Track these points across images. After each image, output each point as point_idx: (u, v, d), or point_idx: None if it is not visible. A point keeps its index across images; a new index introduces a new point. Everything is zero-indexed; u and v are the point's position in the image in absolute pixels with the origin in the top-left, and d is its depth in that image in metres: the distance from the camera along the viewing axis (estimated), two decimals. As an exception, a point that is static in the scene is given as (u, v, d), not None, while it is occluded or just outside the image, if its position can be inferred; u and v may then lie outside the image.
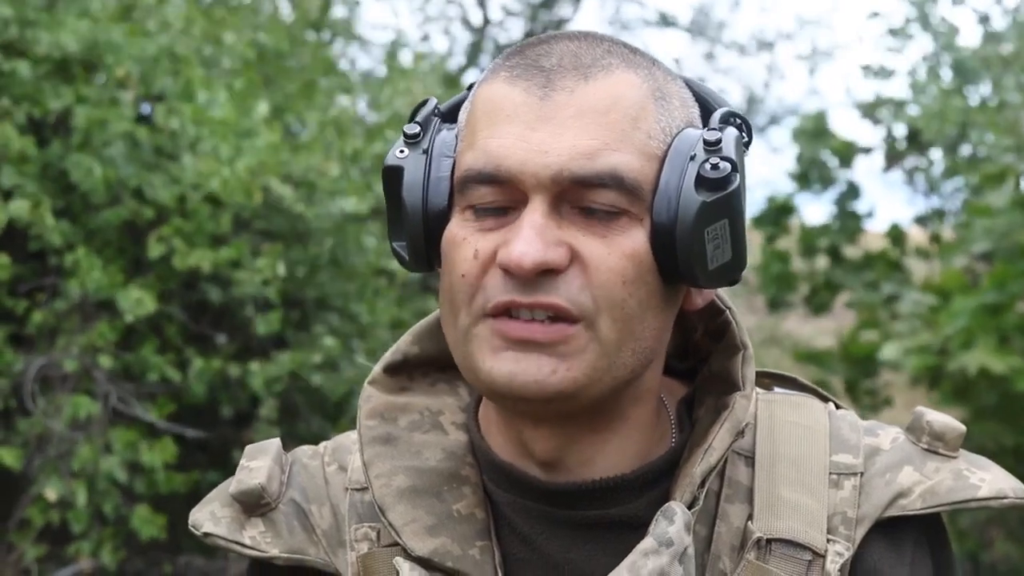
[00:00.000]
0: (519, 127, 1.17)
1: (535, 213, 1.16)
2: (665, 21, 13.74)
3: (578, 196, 1.17)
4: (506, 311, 1.17)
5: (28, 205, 4.68)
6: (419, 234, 1.23)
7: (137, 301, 4.72)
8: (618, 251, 1.17)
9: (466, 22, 12.84)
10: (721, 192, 1.17)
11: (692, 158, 1.18)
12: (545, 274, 1.16)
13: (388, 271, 5.68)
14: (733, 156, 1.18)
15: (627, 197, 1.17)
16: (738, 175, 1.18)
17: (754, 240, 8.96)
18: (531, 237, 1.15)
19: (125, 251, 5.11)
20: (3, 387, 4.90)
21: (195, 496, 5.44)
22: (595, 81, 1.18)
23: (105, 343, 4.88)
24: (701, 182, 1.17)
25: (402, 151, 1.24)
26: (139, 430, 4.96)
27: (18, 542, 4.97)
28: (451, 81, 5.90)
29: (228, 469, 5.37)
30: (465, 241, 1.19)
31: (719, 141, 1.18)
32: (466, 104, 1.25)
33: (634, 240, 1.17)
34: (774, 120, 13.76)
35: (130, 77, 5.04)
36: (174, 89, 5.08)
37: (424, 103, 1.28)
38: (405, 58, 7.36)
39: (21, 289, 5.06)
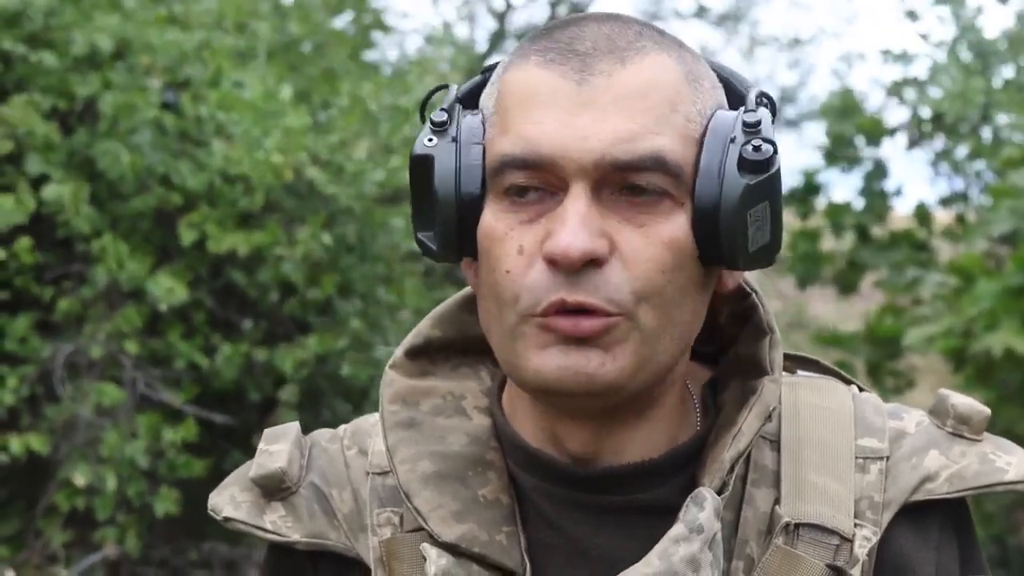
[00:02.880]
0: (558, 112, 1.16)
1: (579, 201, 1.15)
2: (701, 12, 13.70)
3: (619, 181, 1.16)
4: (556, 309, 1.16)
5: (69, 191, 4.69)
6: (452, 223, 1.21)
7: (168, 290, 4.73)
8: (657, 240, 1.16)
9: (489, 8, 12.82)
10: (764, 174, 1.17)
11: (732, 140, 1.17)
12: (589, 265, 1.15)
13: (415, 254, 5.67)
14: (773, 137, 1.18)
15: (670, 180, 1.16)
16: (778, 156, 1.18)
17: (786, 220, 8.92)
18: (576, 227, 1.14)
19: (152, 238, 5.12)
20: (30, 374, 4.93)
21: (219, 481, 5.47)
22: (632, 65, 1.17)
23: (131, 329, 4.89)
24: (744, 164, 1.16)
25: (430, 139, 1.22)
26: (163, 415, 4.98)
27: (45, 528, 4.99)
28: (475, 67, 5.90)
29: (251, 454, 5.38)
30: (508, 236, 1.17)
31: (759, 123, 1.18)
32: (491, 89, 1.24)
33: (674, 225, 1.17)
34: (802, 119, 13.73)
35: (156, 64, 5.05)
36: (202, 76, 5.08)
37: (439, 88, 1.27)
38: (440, 53, 7.38)
39: (47, 276, 5.08)
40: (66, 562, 5.02)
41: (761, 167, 1.17)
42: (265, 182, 4.92)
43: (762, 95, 1.23)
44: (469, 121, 1.23)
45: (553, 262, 1.14)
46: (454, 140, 1.22)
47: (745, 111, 1.19)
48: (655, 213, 1.16)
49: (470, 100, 1.26)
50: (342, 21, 6.84)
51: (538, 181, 1.17)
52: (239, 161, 4.85)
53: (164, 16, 5.19)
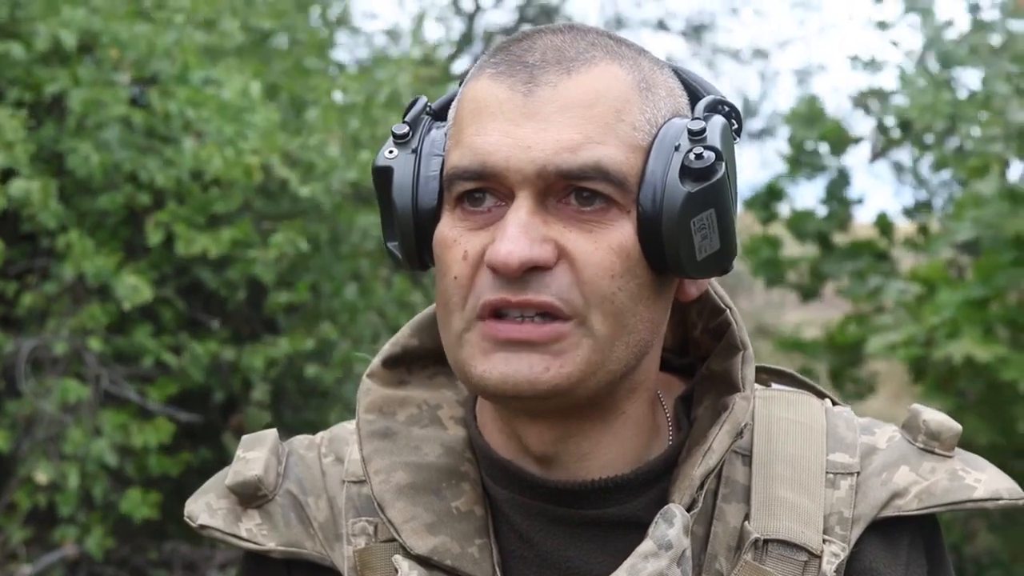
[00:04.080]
0: (504, 123, 1.18)
1: (520, 210, 1.17)
2: (662, 25, 13.73)
3: (565, 190, 1.17)
4: (497, 311, 1.17)
5: (37, 187, 4.66)
6: (410, 233, 1.24)
7: (133, 289, 4.71)
8: (605, 245, 1.17)
9: (457, 8, 12.80)
10: (706, 182, 1.17)
11: (677, 148, 1.18)
12: (533, 271, 1.16)
13: (384, 254, 5.65)
14: (718, 145, 1.18)
15: (614, 189, 1.17)
16: (723, 164, 1.18)
17: (746, 224, 8.96)
18: (516, 235, 1.15)
19: (119, 234, 5.09)
20: (-7, 369, 4.89)
21: (185, 480, 5.40)
22: (578, 75, 1.19)
23: (96, 326, 4.87)
24: (686, 172, 1.17)
25: (391, 151, 1.25)
26: (130, 412, 4.95)
27: (5, 525, 4.96)
28: (444, 70, 5.89)
29: (217, 453, 5.40)
30: (455, 242, 1.19)
31: (703, 130, 1.18)
32: (453, 102, 1.26)
33: (621, 233, 1.18)
34: (767, 132, 13.76)
35: (124, 59, 5.02)
36: (170, 72, 5.06)
37: (415, 102, 1.28)
38: (402, 50, 7.38)
39: (11, 271, 5.05)
40: (26, 559, 4.98)
41: (703, 175, 1.17)
42: (240, 183, 4.91)
43: (719, 103, 1.23)
44: (434, 134, 1.25)
45: (494, 269, 1.16)
46: (414, 152, 1.24)
47: (692, 119, 1.20)
48: (603, 220, 1.17)
49: (441, 114, 1.28)
50: (310, 18, 6.83)
51: (487, 189, 1.18)
52: (209, 159, 4.83)
53: (133, 10, 5.15)
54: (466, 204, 1.19)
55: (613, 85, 1.19)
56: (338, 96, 5.76)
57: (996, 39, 7.16)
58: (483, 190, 1.19)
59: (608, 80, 1.19)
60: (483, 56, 1.25)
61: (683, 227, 1.17)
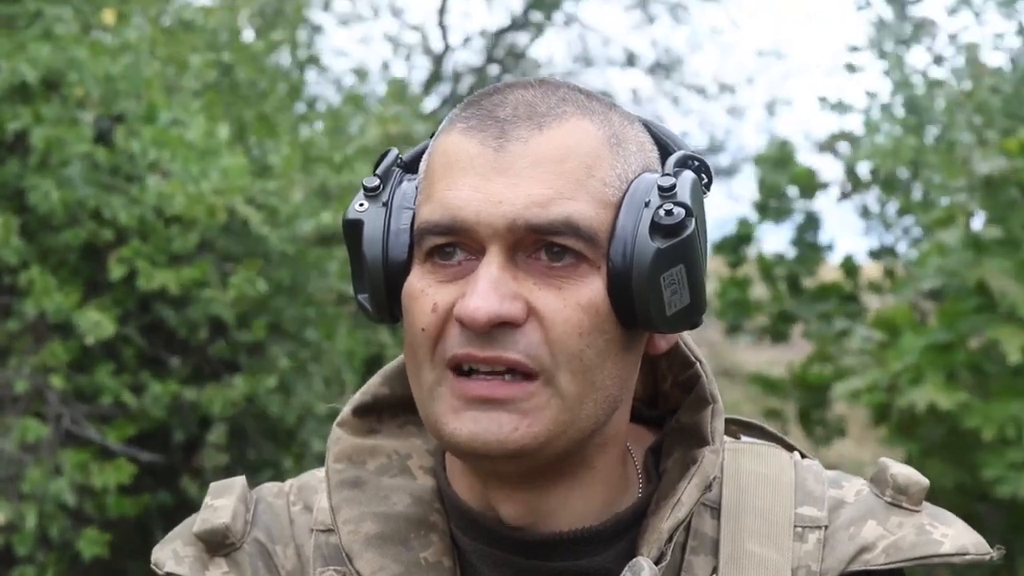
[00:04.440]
0: (474, 178, 1.18)
1: (491, 265, 1.17)
2: (631, 61, 13.81)
3: (535, 245, 1.18)
4: (464, 366, 1.17)
5: None
6: (380, 286, 1.23)
7: (96, 324, 4.69)
8: (573, 302, 1.17)
9: (427, 49, 12.86)
10: (676, 238, 1.18)
11: (647, 204, 1.19)
12: (502, 327, 1.16)
13: (348, 297, 5.66)
14: (688, 201, 1.19)
15: (584, 244, 1.17)
16: (693, 220, 1.19)
17: (715, 267, 9.01)
18: (486, 291, 1.15)
19: (80, 271, 5.07)
20: (-48, 407, 4.86)
21: (143, 520, 5.35)
22: (549, 130, 1.19)
23: (58, 364, 4.84)
24: (655, 228, 1.18)
25: (362, 204, 1.25)
26: (91, 452, 4.92)
27: (-38, 563, 4.92)
28: (422, 116, 5.90)
29: (177, 494, 5.36)
30: (424, 294, 1.19)
31: (673, 187, 1.19)
32: (426, 155, 1.26)
33: (591, 289, 1.18)
34: (732, 170, 13.87)
35: (89, 97, 5.02)
36: (136, 111, 5.06)
37: (386, 154, 1.28)
38: (371, 88, 7.40)
39: (-27, 308, 5.02)
40: (-17, 598, 4.94)
41: (673, 231, 1.18)
42: (200, 222, 4.90)
43: (689, 158, 1.24)
44: (404, 187, 1.25)
45: (463, 323, 1.16)
46: (385, 205, 1.24)
47: (663, 175, 1.20)
48: (572, 276, 1.18)
49: (413, 166, 1.28)
50: (278, 58, 6.84)
51: (458, 244, 1.19)
52: (172, 196, 4.82)
53: (97, 45, 5.14)
54: (436, 258, 1.19)
55: (584, 141, 1.19)
56: (306, 131, 5.77)
57: (965, 86, 7.25)
58: (453, 244, 1.19)
59: (579, 136, 1.19)
60: (455, 109, 1.25)
61: (653, 283, 1.17)
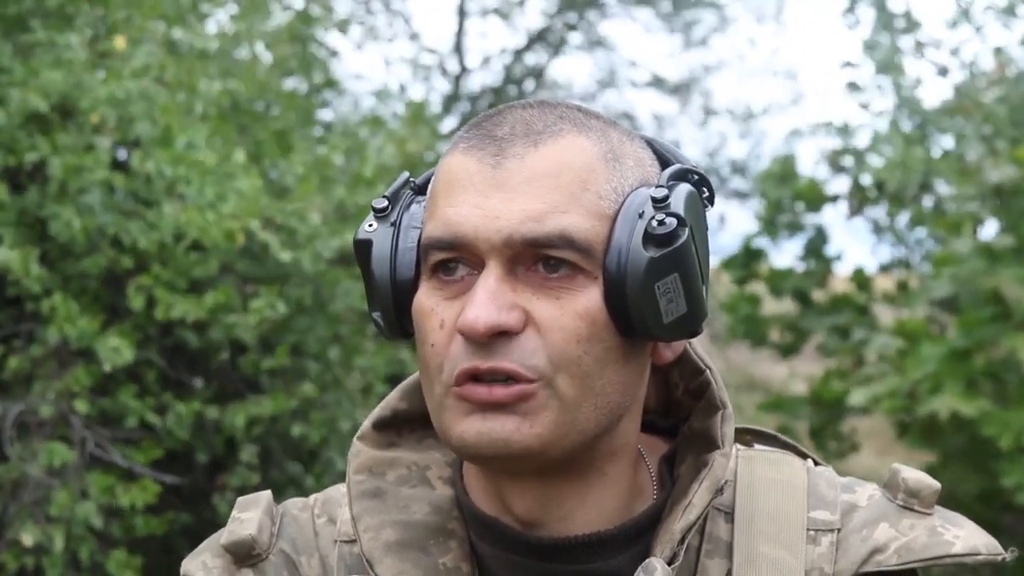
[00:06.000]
0: (474, 195, 1.22)
1: (489, 278, 1.20)
2: (658, 83, 13.80)
3: (533, 258, 1.21)
4: (470, 377, 1.21)
5: (17, 255, 4.69)
6: (389, 304, 1.28)
7: (114, 350, 4.73)
8: (571, 311, 1.21)
9: (443, 70, 12.89)
10: (668, 247, 1.21)
11: (641, 215, 1.22)
12: (500, 337, 1.20)
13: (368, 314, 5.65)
14: (681, 211, 1.22)
15: (579, 256, 1.21)
16: (686, 230, 1.21)
17: (724, 283, 9.01)
18: (484, 301, 1.19)
19: (101, 297, 5.11)
20: (-23, 433, 4.90)
21: (170, 540, 5.36)
22: (544, 146, 1.23)
23: (81, 389, 4.88)
24: (648, 238, 1.21)
25: (371, 225, 1.29)
26: (116, 475, 4.95)
27: (-9, 588, 4.95)
28: (440, 136, 5.92)
29: (203, 514, 5.39)
30: (433, 312, 1.23)
31: (666, 198, 1.22)
32: (432, 176, 1.30)
33: (588, 298, 1.21)
34: (755, 190, 13.86)
35: (106, 123, 5.06)
36: (152, 135, 5.09)
37: (398, 177, 1.33)
38: (389, 109, 7.42)
39: (-2, 335, 5.07)
40: (13, 622, 4.97)
41: (666, 240, 1.21)
42: (220, 247, 4.94)
43: (687, 171, 1.28)
44: (413, 208, 1.30)
45: (464, 334, 1.20)
46: (393, 225, 1.29)
47: (656, 187, 1.23)
48: (570, 287, 1.21)
49: (425, 187, 1.32)
50: (294, 81, 6.88)
51: (459, 259, 1.23)
52: (191, 222, 4.86)
53: (110, 71, 5.18)
54: (441, 274, 1.24)
55: (578, 156, 1.23)
56: (322, 150, 5.80)
57: (986, 95, 7.24)
58: (456, 260, 1.23)
59: (574, 151, 1.23)
60: (460, 131, 1.29)
61: (647, 292, 1.21)
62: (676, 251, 1.21)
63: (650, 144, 1.31)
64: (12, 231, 4.78)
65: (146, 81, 5.16)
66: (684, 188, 1.24)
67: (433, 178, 1.29)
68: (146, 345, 5.14)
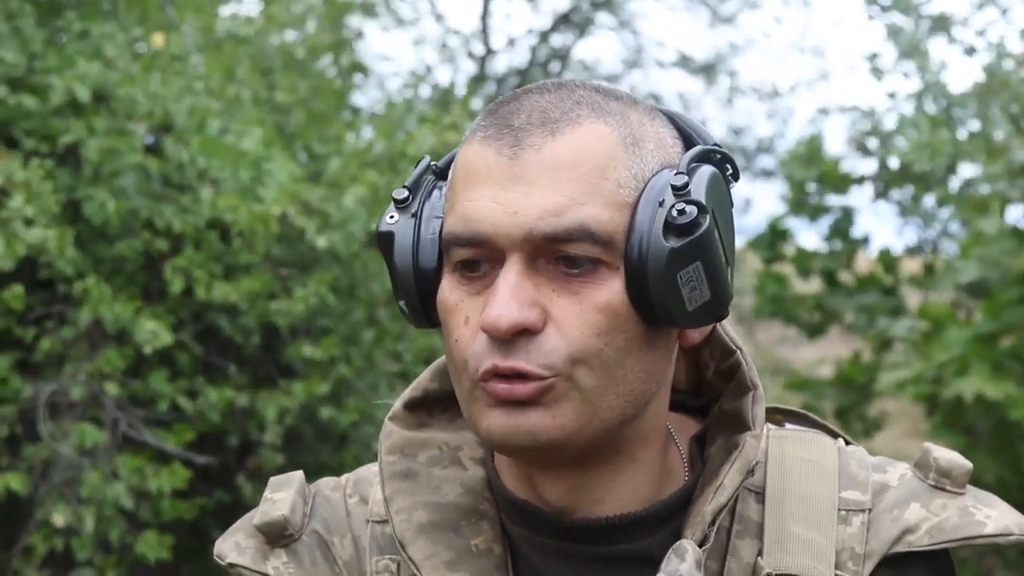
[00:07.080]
0: (492, 188, 1.21)
1: (511, 273, 1.20)
2: (684, 62, 13.74)
3: (553, 251, 1.20)
4: (492, 374, 1.21)
5: (55, 235, 4.72)
6: (413, 295, 1.28)
7: (152, 333, 4.75)
8: (591, 305, 1.20)
9: (469, 52, 12.88)
10: (690, 236, 1.19)
11: (661, 203, 1.20)
12: (522, 335, 1.19)
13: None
14: (703, 197, 1.20)
15: (600, 249, 1.20)
16: (708, 217, 1.20)
17: (751, 263, 9.00)
18: (506, 298, 1.18)
19: (136, 280, 5.14)
20: (9, 414, 4.93)
21: (198, 523, 5.40)
22: (562, 136, 1.21)
23: (112, 370, 4.91)
24: (669, 228, 1.19)
25: (392, 216, 1.29)
26: (146, 456, 4.99)
27: (22, 568, 4.98)
28: (465, 108, 5.89)
29: (232, 496, 5.42)
30: (458, 308, 1.23)
31: (686, 185, 1.20)
32: (453, 163, 1.29)
33: (609, 290, 1.20)
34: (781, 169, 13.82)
35: (140, 108, 5.08)
36: (186, 121, 5.11)
37: (419, 162, 1.32)
38: (419, 92, 7.43)
39: (29, 316, 5.09)
40: (43, 602, 5.01)
41: (686, 230, 1.19)
42: (260, 234, 4.96)
43: (710, 152, 1.26)
44: (434, 196, 1.29)
45: (486, 331, 1.20)
46: (414, 215, 1.28)
47: (676, 173, 1.22)
48: (590, 281, 1.20)
49: (446, 171, 1.31)
50: (323, 63, 6.88)
51: (481, 255, 1.22)
52: (233, 210, 4.88)
53: (147, 63, 5.20)
54: (464, 271, 1.23)
55: (597, 144, 1.21)
56: (352, 139, 5.81)
57: (1012, 74, 7.19)
58: (478, 258, 1.22)
59: (592, 139, 1.21)
60: (478, 117, 1.28)
61: (669, 281, 1.20)
62: (697, 239, 1.20)
63: (672, 120, 1.29)
64: (46, 214, 4.80)
65: (184, 66, 5.18)
66: (706, 171, 1.23)
67: (452, 166, 1.28)
68: (180, 329, 5.17)
